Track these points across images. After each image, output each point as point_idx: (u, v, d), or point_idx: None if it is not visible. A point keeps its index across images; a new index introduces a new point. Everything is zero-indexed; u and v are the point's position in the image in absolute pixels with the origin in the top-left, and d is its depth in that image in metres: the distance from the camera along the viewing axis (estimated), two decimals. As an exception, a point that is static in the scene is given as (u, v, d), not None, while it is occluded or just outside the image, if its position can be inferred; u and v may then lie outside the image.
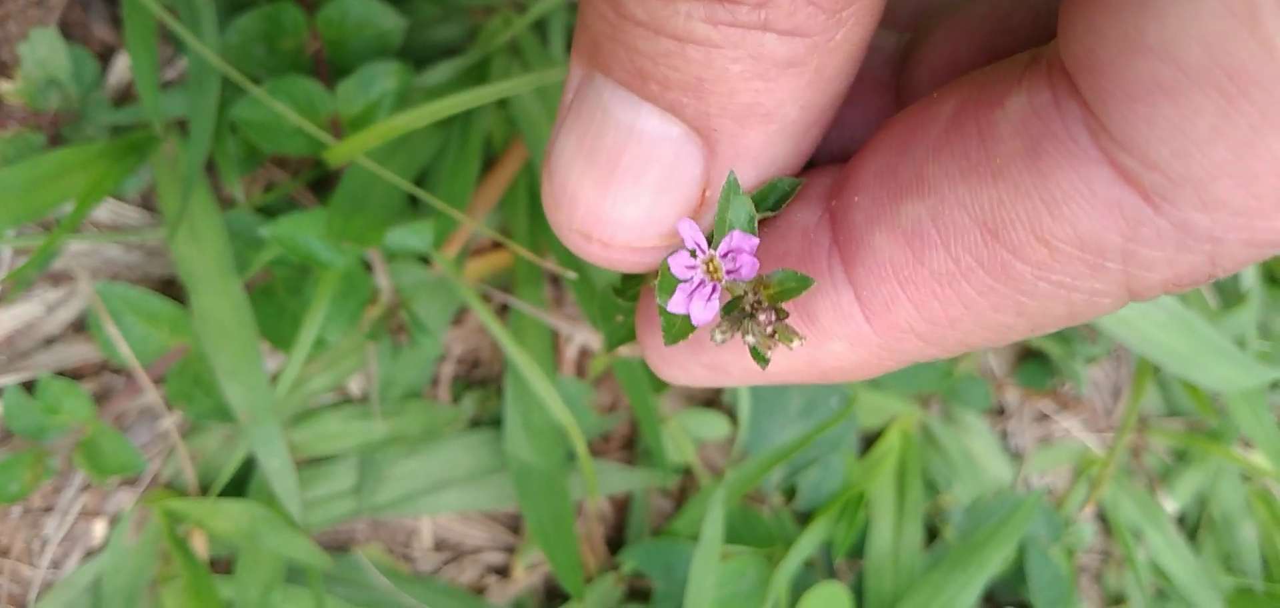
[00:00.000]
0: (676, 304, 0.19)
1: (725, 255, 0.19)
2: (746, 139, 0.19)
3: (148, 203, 0.54)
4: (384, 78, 0.52)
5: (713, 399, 0.66)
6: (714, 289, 0.19)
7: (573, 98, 0.20)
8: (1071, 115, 0.16)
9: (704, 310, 0.19)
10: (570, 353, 0.63)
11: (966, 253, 0.18)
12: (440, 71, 0.55)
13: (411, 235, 0.52)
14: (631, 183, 0.20)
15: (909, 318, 0.19)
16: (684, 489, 0.66)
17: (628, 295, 0.27)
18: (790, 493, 0.65)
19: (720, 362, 0.22)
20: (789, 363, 0.21)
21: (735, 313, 0.19)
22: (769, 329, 0.19)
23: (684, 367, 0.23)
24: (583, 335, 0.64)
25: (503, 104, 0.59)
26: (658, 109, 0.19)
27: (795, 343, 0.19)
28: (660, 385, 0.62)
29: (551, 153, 0.21)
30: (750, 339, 0.19)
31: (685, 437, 0.63)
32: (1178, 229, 0.16)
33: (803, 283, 0.19)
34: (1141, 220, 0.16)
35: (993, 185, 0.17)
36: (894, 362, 0.21)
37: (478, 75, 0.57)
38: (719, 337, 0.19)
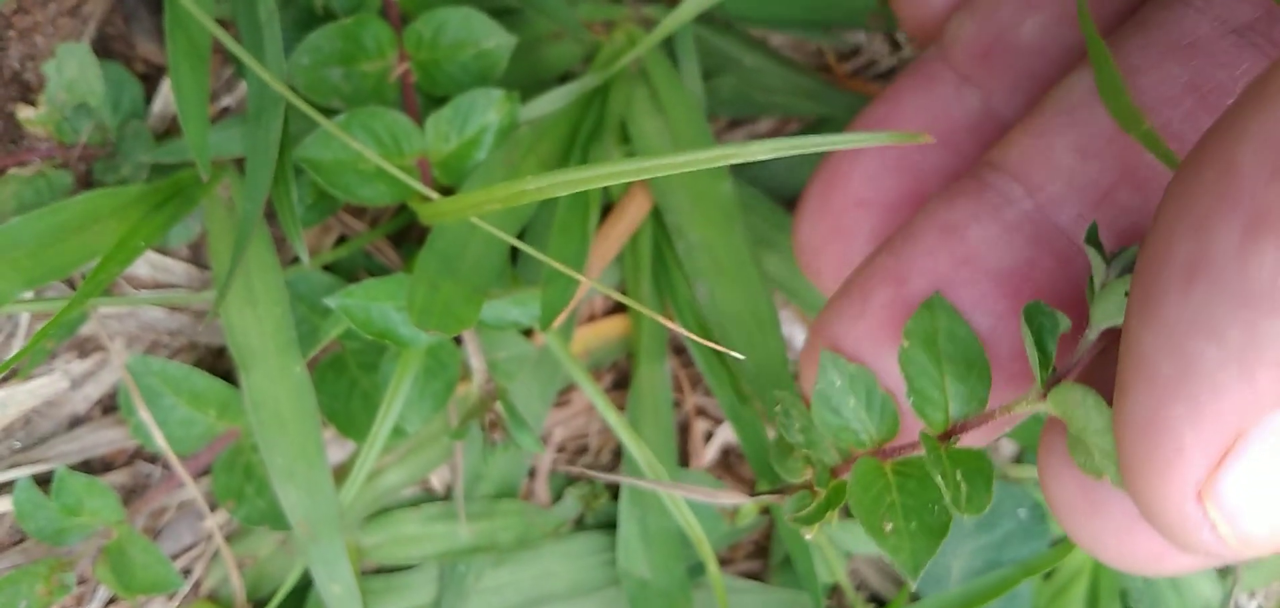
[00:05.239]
0: None
1: None
2: None
3: (198, 256, 0.44)
4: (485, 109, 0.42)
5: (867, 504, 0.54)
6: None
7: (1254, 439, 0.18)
8: None
9: None
10: (695, 444, 0.52)
11: None
12: (550, 100, 0.45)
13: (514, 308, 0.41)
14: None
15: None
16: (827, 610, 0.54)
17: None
18: (963, 626, 0.53)
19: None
20: None
21: None
22: None
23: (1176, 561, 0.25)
24: (708, 419, 0.53)
25: (624, 140, 0.48)
26: None
27: None
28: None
29: (1245, 490, 0.19)
30: None
31: (833, 549, 0.51)
32: None
33: None
34: None
35: None
36: None
37: (597, 105, 0.47)
38: None
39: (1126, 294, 0.23)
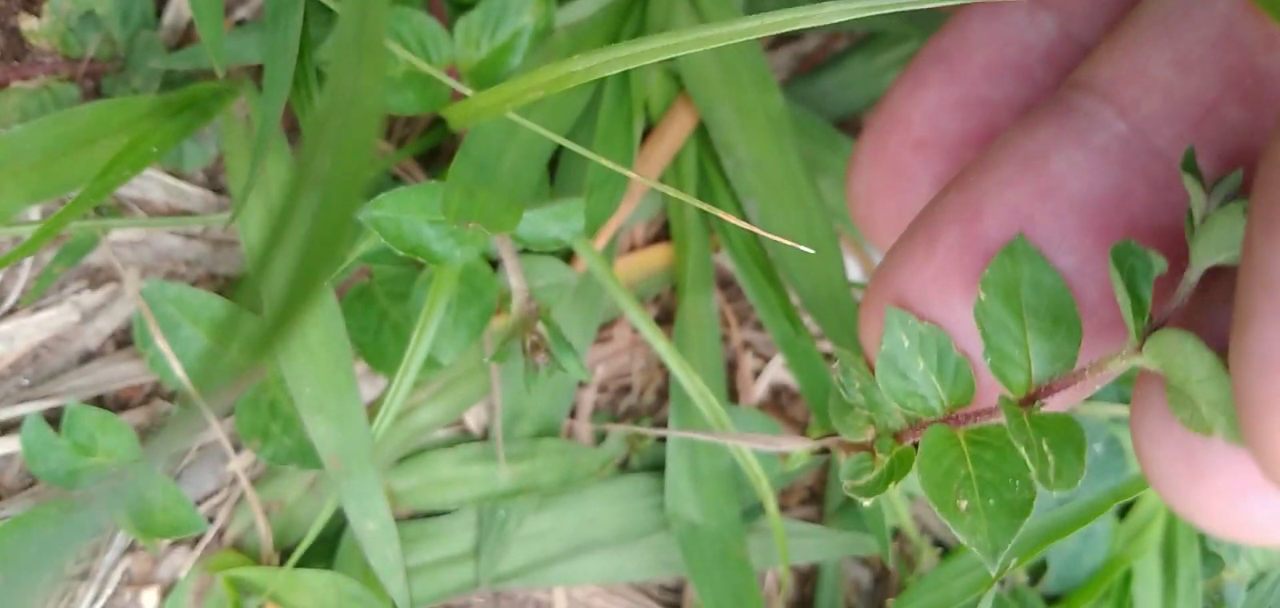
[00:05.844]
0: None
1: None
2: None
3: (214, 180, 0.41)
4: (519, 11, 0.39)
5: (930, 441, 0.51)
6: None
7: None
8: None
9: None
10: (744, 380, 0.49)
11: None
12: (588, 3, 0.42)
13: (555, 222, 0.38)
14: None
15: None
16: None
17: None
18: (1037, 570, 0.49)
19: None
20: None
21: None
22: None
23: None
24: (756, 355, 0.49)
25: (666, 52, 0.45)
26: None
27: None
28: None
29: None
30: None
31: (897, 491, 0.48)
32: None
33: None
34: None
35: None
36: None
37: (638, 12, 0.44)
38: None
39: (1235, 220, 0.20)
